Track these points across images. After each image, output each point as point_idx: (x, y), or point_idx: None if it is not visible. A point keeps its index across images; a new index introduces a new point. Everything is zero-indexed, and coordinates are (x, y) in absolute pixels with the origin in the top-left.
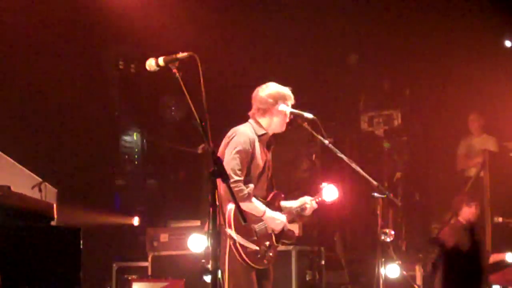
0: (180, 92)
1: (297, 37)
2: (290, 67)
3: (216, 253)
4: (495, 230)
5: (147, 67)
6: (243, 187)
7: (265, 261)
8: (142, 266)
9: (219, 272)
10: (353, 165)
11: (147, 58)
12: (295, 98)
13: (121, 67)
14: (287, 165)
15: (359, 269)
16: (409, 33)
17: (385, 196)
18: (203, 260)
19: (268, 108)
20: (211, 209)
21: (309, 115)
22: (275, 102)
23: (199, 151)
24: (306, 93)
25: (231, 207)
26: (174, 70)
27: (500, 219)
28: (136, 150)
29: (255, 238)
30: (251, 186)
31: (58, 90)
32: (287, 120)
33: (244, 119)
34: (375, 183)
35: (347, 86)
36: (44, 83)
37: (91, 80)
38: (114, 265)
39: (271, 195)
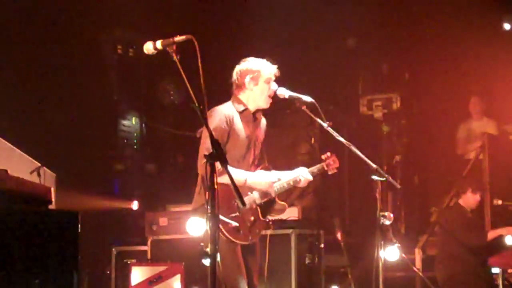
0: (179, 75)
1: (295, 20)
2: (289, 50)
3: (214, 237)
4: (494, 213)
5: (145, 51)
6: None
7: (250, 237)
8: (141, 250)
9: (218, 255)
10: (352, 148)
11: (145, 42)
12: (294, 82)
13: (119, 51)
14: (286, 149)
15: (359, 252)
16: (408, 16)
17: (384, 179)
18: (201, 244)
19: (242, 83)
20: (209, 193)
21: (307, 99)
22: (251, 78)
23: (198, 135)
24: (305, 77)
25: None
26: (172, 53)
27: (500, 202)
28: (135, 134)
29: (238, 213)
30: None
31: (56, 75)
32: (268, 94)
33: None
34: (374, 166)
35: (346, 70)
36: (42, 68)
37: (90, 64)
38: (113, 249)
39: (257, 169)
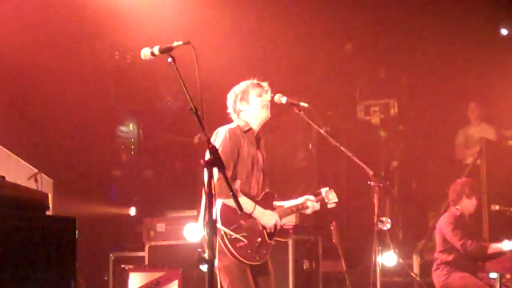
0: (176, 81)
1: (293, 26)
2: (286, 56)
3: (212, 243)
4: (492, 218)
5: (142, 56)
6: (221, 184)
7: (257, 257)
8: (139, 256)
9: (216, 261)
10: (350, 154)
11: (142, 48)
12: (292, 87)
13: (116, 57)
14: (283, 155)
15: (356, 258)
16: (406, 22)
17: (382, 184)
18: (199, 250)
19: (238, 109)
20: (207, 199)
21: (305, 104)
22: (240, 100)
23: (195, 140)
24: (302, 82)
25: (219, 202)
26: (169, 59)
27: (497, 207)
28: (132, 140)
29: (245, 234)
30: (238, 181)
31: (54, 81)
32: (263, 105)
33: None
34: (371, 172)
35: (343, 75)
36: (40, 74)
37: (87, 70)
38: (111, 255)
39: (262, 194)
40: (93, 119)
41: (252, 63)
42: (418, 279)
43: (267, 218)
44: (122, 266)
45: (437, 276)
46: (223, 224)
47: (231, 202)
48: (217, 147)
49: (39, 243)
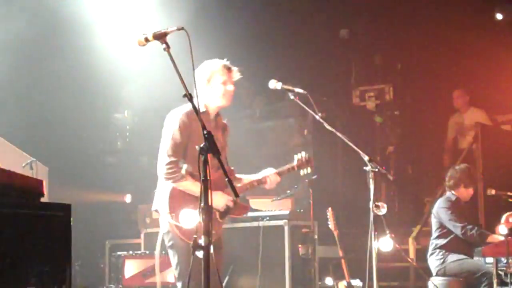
0: (171, 67)
1: (288, 12)
2: (281, 42)
3: (208, 228)
4: (488, 202)
5: (137, 43)
6: (175, 168)
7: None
8: (135, 243)
9: (211, 247)
10: (345, 139)
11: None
12: (287, 73)
13: None
14: (279, 140)
15: (352, 243)
16: (400, 6)
17: (378, 169)
18: (195, 236)
19: (199, 86)
20: (202, 184)
21: (300, 90)
22: (204, 79)
23: None
24: (297, 68)
25: (168, 187)
26: (164, 45)
27: (493, 192)
28: (127, 127)
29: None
30: (185, 166)
31: (49, 69)
32: (223, 93)
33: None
34: (367, 157)
35: (338, 61)
36: (35, 63)
37: (82, 57)
38: (107, 242)
39: (217, 174)
40: (88, 106)
41: (247, 49)
42: (415, 264)
43: (216, 199)
44: (118, 253)
45: (433, 260)
46: (171, 209)
47: (183, 185)
48: (168, 131)
49: (33, 230)
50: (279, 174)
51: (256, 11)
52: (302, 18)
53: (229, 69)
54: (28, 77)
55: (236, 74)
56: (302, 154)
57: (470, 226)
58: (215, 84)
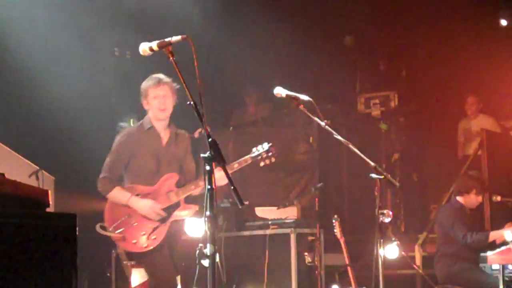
0: (176, 76)
1: (292, 18)
2: (287, 50)
3: (213, 237)
4: (494, 209)
5: (141, 52)
6: (105, 184)
7: (146, 244)
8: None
9: (217, 256)
10: (351, 147)
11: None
12: (292, 80)
13: (116, 54)
14: (284, 148)
15: (358, 251)
16: (405, 13)
17: (383, 177)
18: (200, 245)
19: (144, 106)
20: (208, 193)
21: (305, 97)
22: (142, 98)
23: (196, 135)
24: (302, 75)
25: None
26: (168, 54)
27: (499, 198)
28: None
29: (124, 229)
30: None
31: (54, 78)
32: (158, 107)
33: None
34: (372, 164)
35: (343, 68)
36: (40, 72)
37: (87, 67)
38: (113, 251)
39: (159, 181)
40: (93, 115)
41: (252, 56)
42: (421, 271)
43: (140, 206)
44: (125, 262)
45: (440, 268)
46: (108, 221)
47: (112, 196)
48: (113, 147)
49: (39, 240)
50: (229, 168)
51: (259, 18)
52: (307, 25)
53: (157, 83)
54: (33, 88)
55: (164, 87)
56: (262, 146)
57: (469, 233)
58: (150, 100)
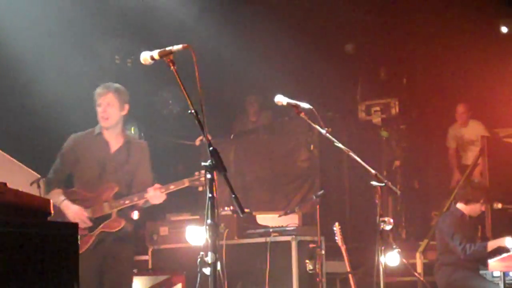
0: (177, 85)
1: (293, 26)
2: (287, 58)
3: (214, 245)
4: (495, 216)
5: (142, 61)
6: (44, 183)
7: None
8: (142, 260)
9: (218, 264)
10: (351, 154)
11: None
12: (292, 88)
13: (117, 61)
14: (285, 156)
15: (359, 258)
16: (406, 21)
17: (384, 184)
18: (202, 253)
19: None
20: (209, 202)
21: (306, 105)
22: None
23: (197, 143)
24: (302, 83)
25: None
26: (169, 63)
27: (500, 205)
28: None
29: None
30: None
31: (55, 85)
32: (101, 115)
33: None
34: (373, 171)
35: (344, 75)
36: (41, 79)
37: (88, 74)
38: None
39: (99, 189)
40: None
41: (252, 64)
42: (422, 278)
43: (69, 212)
44: None
45: (440, 276)
46: None
47: (50, 198)
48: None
49: (41, 249)
50: (164, 189)
51: (260, 27)
52: (308, 33)
53: (104, 92)
54: (34, 96)
55: (109, 96)
56: (203, 173)
57: (468, 245)
58: (96, 107)
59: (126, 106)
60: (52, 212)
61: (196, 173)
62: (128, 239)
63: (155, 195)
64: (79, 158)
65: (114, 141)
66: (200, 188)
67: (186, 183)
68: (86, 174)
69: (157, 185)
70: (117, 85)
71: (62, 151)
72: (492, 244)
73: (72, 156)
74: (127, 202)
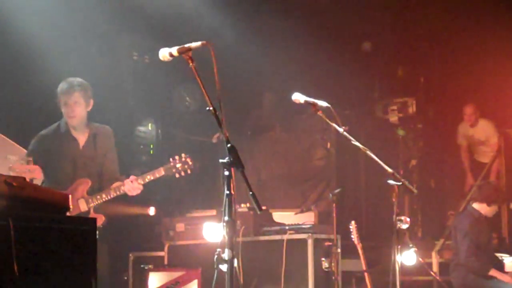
0: (195, 81)
1: (310, 25)
2: (304, 56)
3: (232, 242)
4: (511, 216)
5: (161, 57)
6: None
7: None
8: (158, 256)
9: (235, 261)
10: (368, 153)
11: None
12: (310, 86)
13: (135, 57)
14: (302, 154)
15: (375, 257)
16: (423, 20)
17: (401, 183)
18: (218, 249)
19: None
20: (226, 199)
21: (323, 103)
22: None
23: (214, 140)
24: (320, 81)
25: None
26: (188, 60)
27: None
28: (151, 140)
29: None
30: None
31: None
32: (66, 114)
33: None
34: (390, 170)
35: (361, 74)
36: (59, 76)
37: (106, 71)
38: (130, 255)
39: (71, 187)
40: (112, 119)
41: (270, 62)
42: (438, 278)
43: None
44: (142, 266)
45: (455, 276)
46: None
47: None
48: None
49: (60, 244)
50: (141, 180)
51: (278, 24)
52: (325, 31)
53: (68, 90)
54: (51, 92)
55: (74, 95)
56: (180, 156)
57: (474, 259)
58: (61, 105)
59: (91, 102)
60: (71, 207)
61: (171, 159)
62: (105, 239)
63: (132, 186)
64: (49, 157)
65: (82, 136)
66: (177, 175)
67: (162, 171)
68: (58, 172)
69: (132, 177)
70: (80, 80)
71: (31, 152)
72: (494, 273)
73: (44, 155)
74: (104, 196)
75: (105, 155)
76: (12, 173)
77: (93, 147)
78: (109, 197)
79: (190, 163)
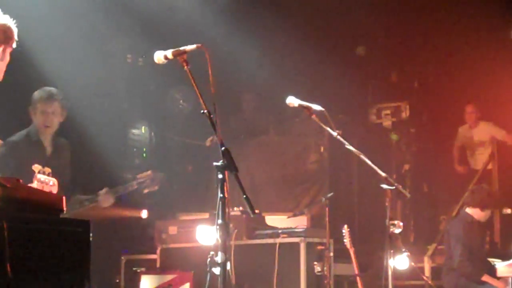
0: (189, 84)
1: (304, 29)
2: (298, 60)
3: (225, 245)
4: (504, 221)
5: (156, 60)
6: None
7: None
8: (150, 258)
9: (228, 264)
10: (362, 157)
11: (155, 51)
12: (304, 90)
13: (129, 60)
14: (295, 157)
15: (368, 261)
16: (417, 25)
17: (394, 187)
18: (212, 252)
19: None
20: (220, 202)
21: (317, 107)
22: (31, 108)
23: (207, 143)
24: (313, 85)
25: None
26: (183, 63)
27: (509, 211)
28: (144, 143)
29: None
30: None
31: (66, 83)
32: (42, 120)
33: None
34: (383, 174)
35: (355, 78)
36: (52, 77)
37: (99, 73)
38: (122, 257)
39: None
40: (105, 122)
41: (264, 66)
42: (430, 282)
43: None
44: (134, 268)
45: (448, 281)
46: None
47: None
48: None
49: (53, 245)
50: (113, 193)
51: (271, 28)
52: (319, 35)
53: (48, 99)
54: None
55: (54, 104)
56: (147, 173)
57: (467, 264)
58: (38, 114)
59: (65, 113)
60: (65, 208)
61: (139, 175)
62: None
63: (105, 198)
64: (19, 166)
65: (48, 146)
66: (146, 191)
67: (134, 186)
68: (27, 181)
69: (106, 189)
70: (56, 90)
71: (3, 157)
72: (487, 279)
73: (13, 163)
74: (77, 207)
75: (64, 167)
76: (37, 184)
77: (57, 157)
78: (82, 209)
79: (157, 179)
